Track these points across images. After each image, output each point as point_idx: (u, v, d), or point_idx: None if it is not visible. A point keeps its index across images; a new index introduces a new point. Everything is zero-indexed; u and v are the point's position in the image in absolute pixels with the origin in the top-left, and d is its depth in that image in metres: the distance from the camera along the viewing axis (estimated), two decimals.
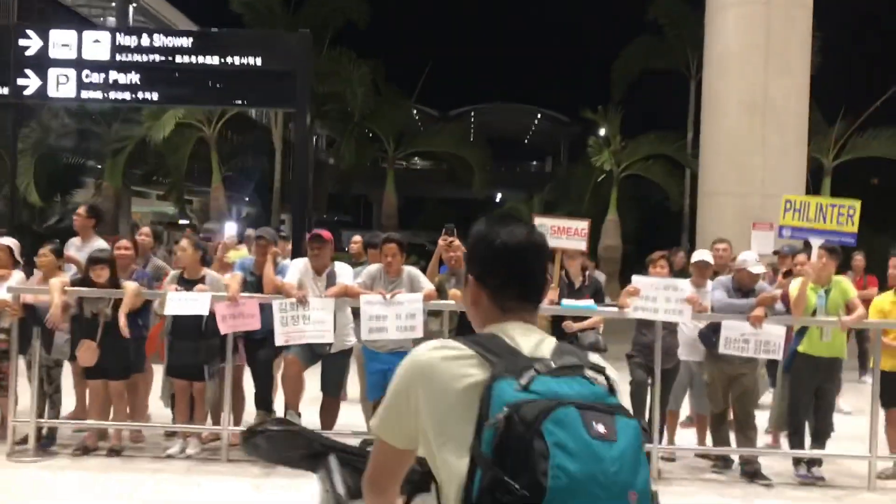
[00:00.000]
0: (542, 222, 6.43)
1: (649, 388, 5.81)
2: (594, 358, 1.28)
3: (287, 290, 5.75)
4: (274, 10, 17.16)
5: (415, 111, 20.29)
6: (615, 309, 5.97)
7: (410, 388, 1.27)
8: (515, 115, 40.07)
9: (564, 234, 6.36)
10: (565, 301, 6.09)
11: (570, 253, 6.49)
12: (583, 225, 6.33)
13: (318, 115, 19.55)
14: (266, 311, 5.62)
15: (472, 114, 32.86)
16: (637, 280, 5.86)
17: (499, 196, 37.13)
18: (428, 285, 5.90)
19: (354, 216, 37.51)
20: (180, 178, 18.30)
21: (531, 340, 1.27)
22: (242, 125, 22.50)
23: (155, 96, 7.17)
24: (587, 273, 6.78)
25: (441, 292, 6.31)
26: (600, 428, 1.09)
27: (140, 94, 7.12)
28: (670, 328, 5.85)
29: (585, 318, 6.02)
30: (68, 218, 18.60)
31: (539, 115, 42.50)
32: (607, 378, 1.21)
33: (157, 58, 7.11)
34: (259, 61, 7.11)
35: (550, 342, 1.28)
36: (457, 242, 5.96)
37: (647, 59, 18.66)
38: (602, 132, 17.64)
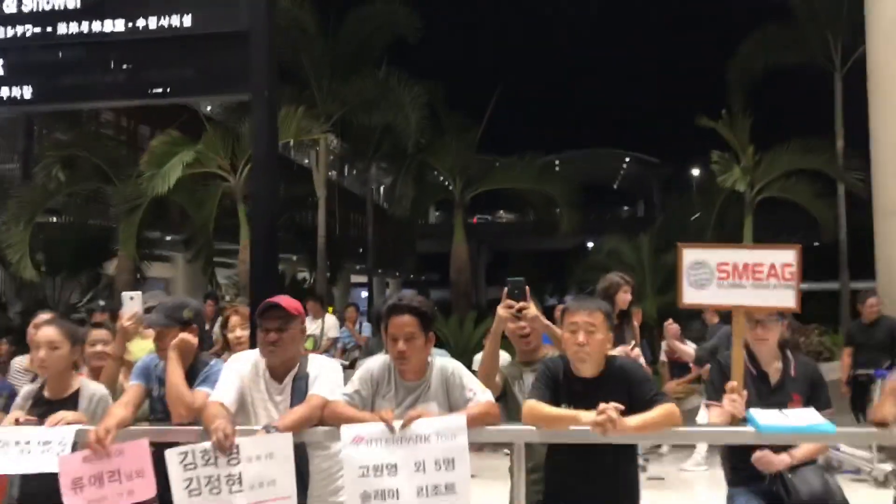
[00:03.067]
0: (701, 257, 3.51)
1: None
2: None
3: (206, 419, 3.08)
4: (307, 31, 14.91)
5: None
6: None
7: None
8: (602, 159, 38.58)
9: (748, 277, 3.43)
10: (757, 416, 3.16)
11: (763, 320, 3.65)
12: (788, 257, 3.36)
13: (372, 156, 17.25)
14: None
15: (557, 162, 30.50)
16: None
17: (590, 244, 34.82)
18: (480, 392, 3.22)
19: (443, 274, 35.44)
20: (209, 238, 16.04)
21: None
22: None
23: (27, 93, 4.62)
24: (789, 355, 3.86)
25: (507, 399, 3.63)
26: None
27: (3, 93, 4.60)
28: None
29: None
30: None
31: (627, 159, 41.23)
32: None
33: (29, 30, 4.60)
34: (188, 21, 4.50)
35: None
36: (532, 309, 3.47)
37: (772, 53, 15.45)
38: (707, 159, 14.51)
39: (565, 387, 3.23)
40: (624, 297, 5.77)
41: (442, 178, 17.15)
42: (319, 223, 15.72)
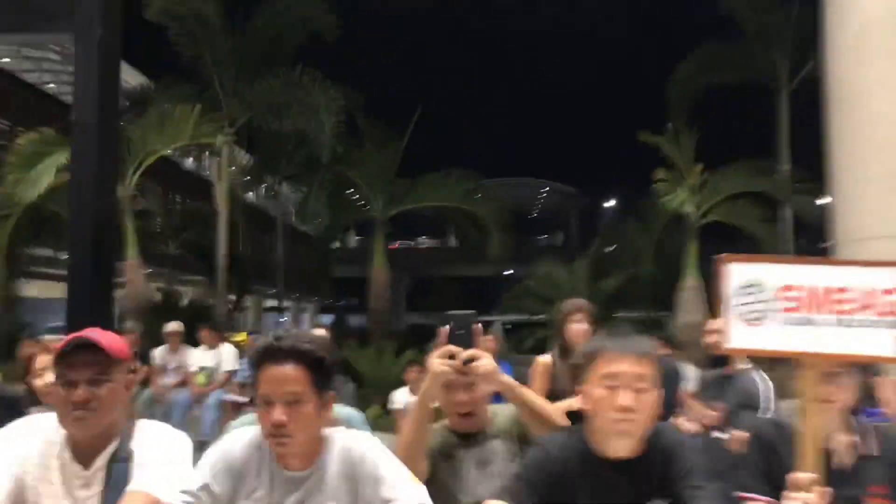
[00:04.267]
0: (756, 276, 2.30)
1: None
2: None
3: None
4: (209, 22, 13.36)
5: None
6: None
7: None
8: (520, 188, 38.72)
9: (829, 308, 2.23)
10: None
11: (833, 373, 2.45)
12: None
13: (284, 168, 15.71)
14: None
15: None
16: None
17: (510, 272, 34.81)
18: (406, 492, 2.01)
19: (362, 300, 34.10)
20: None
21: None
22: (171, 178, 18.52)
23: None
24: (867, 424, 2.64)
25: (433, 486, 2.29)
26: None
27: None
28: None
29: None
30: None
31: (546, 188, 41.90)
32: None
33: None
34: None
35: None
36: (485, 361, 2.27)
37: (714, 71, 14.73)
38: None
39: (585, 476, 2.09)
40: (576, 329, 4.61)
41: (360, 196, 15.78)
42: (219, 241, 14.08)
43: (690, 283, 12.71)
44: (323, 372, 1.96)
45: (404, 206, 15.14)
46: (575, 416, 5.52)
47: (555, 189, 44.51)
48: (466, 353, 2.16)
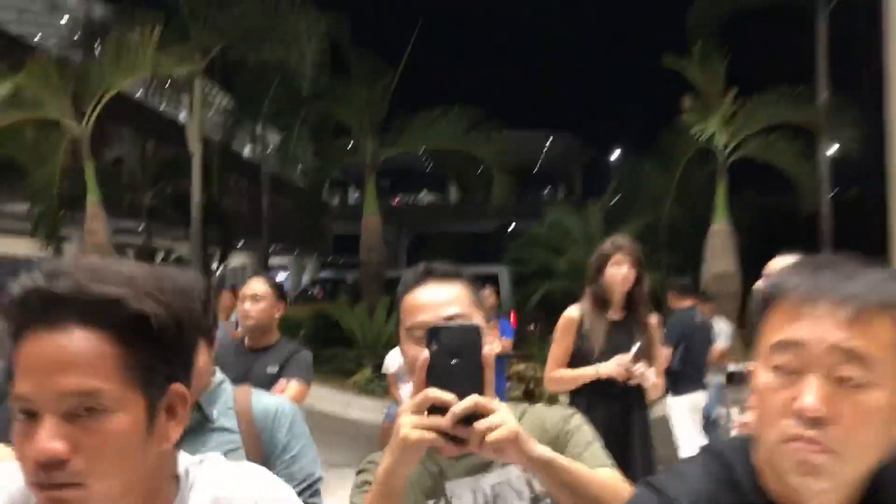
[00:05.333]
0: None
1: None
2: None
3: None
4: None
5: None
6: None
7: None
8: (522, 139, 37.86)
9: None
10: None
11: None
12: None
13: (264, 107, 14.27)
14: None
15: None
16: None
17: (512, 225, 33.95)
18: None
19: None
20: (53, 204, 12.91)
21: None
22: (146, 124, 17.07)
23: None
24: None
25: None
26: None
27: None
28: None
29: None
30: None
31: (549, 140, 40.79)
32: None
33: None
34: None
35: None
36: (508, 424, 1.17)
37: None
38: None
39: None
40: (616, 275, 3.86)
41: (348, 139, 14.39)
42: (194, 187, 12.75)
43: (719, 227, 11.39)
44: (155, 344, 0.97)
45: (397, 149, 13.77)
46: (597, 391, 3.87)
47: (558, 140, 43.39)
48: (464, 406, 1.16)
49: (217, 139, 15.87)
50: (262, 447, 2.09)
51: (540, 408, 1.65)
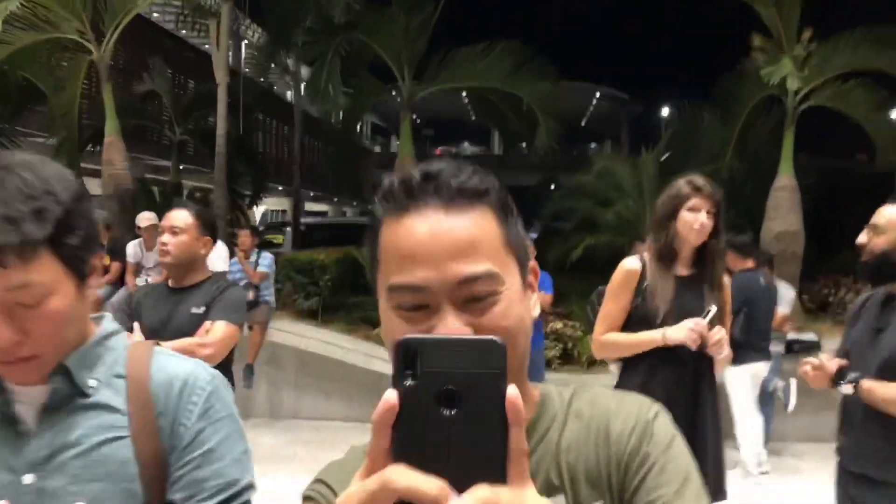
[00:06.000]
0: None
1: None
2: None
3: None
4: None
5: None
6: None
7: None
8: (569, 93, 37.10)
9: None
10: None
11: None
12: None
13: (295, 38, 13.46)
14: None
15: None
16: None
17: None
18: None
19: None
20: (73, 132, 12.32)
21: None
22: (166, 49, 16.34)
23: None
24: None
25: None
26: None
27: None
28: None
29: None
30: None
31: (598, 94, 40.29)
32: None
33: None
34: None
35: None
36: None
37: None
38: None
39: None
40: (691, 221, 3.24)
41: (384, 73, 13.53)
42: (219, 120, 12.03)
43: (784, 181, 10.38)
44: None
45: (436, 86, 12.87)
46: (660, 360, 3.29)
47: (606, 94, 42.64)
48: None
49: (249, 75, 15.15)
50: (158, 436, 1.35)
51: (602, 394, 1.09)
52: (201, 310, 3.43)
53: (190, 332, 3.38)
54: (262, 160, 17.77)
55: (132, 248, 9.13)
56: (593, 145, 49.82)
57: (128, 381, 1.37)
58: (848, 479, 3.03)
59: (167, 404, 1.35)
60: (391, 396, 0.65)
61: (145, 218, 8.97)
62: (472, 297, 0.92)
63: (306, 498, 1.06)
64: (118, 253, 9.43)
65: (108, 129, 11.06)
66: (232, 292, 3.57)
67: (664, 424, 1.03)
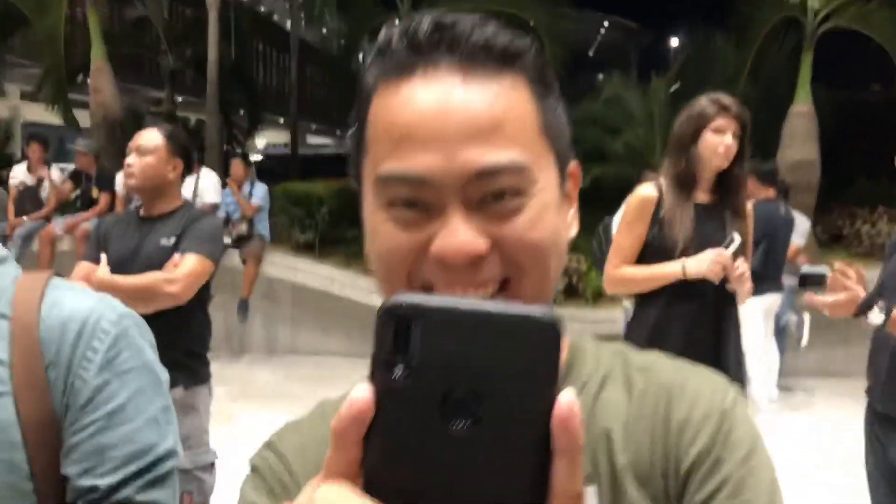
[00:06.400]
0: None
1: None
2: None
3: None
4: None
5: None
6: None
7: None
8: (577, 21, 36.70)
9: None
10: None
11: None
12: None
13: None
14: None
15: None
16: None
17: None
18: None
19: None
20: (59, 59, 11.86)
21: None
22: None
23: None
24: None
25: None
26: None
27: None
28: None
29: None
30: None
31: (606, 23, 38.18)
32: None
33: None
34: None
35: None
36: None
37: None
38: None
39: None
40: (716, 143, 2.95)
41: None
42: (210, 45, 11.54)
43: (801, 108, 9.97)
44: None
45: (437, 9, 12.30)
46: (679, 294, 3.03)
47: (614, 23, 42.06)
48: None
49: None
50: (47, 393, 1.03)
51: (659, 362, 0.80)
52: (171, 241, 3.13)
53: (159, 265, 3.07)
54: (258, 90, 17.24)
55: (121, 178, 8.82)
56: (601, 76, 49.23)
57: (12, 323, 1.05)
58: (874, 419, 2.89)
59: (60, 352, 1.05)
60: (363, 396, 0.41)
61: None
62: (491, 195, 0.68)
63: (253, 468, 0.81)
64: (107, 184, 9.12)
65: (94, 54, 10.62)
66: (205, 222, 3.25)
67: (745, 419, 0.76)
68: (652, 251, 2.94)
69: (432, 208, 0.68)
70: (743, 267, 2.88)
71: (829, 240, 9.91)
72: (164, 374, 1.17)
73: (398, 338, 0.41)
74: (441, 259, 0.67)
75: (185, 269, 3.01)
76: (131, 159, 3.18)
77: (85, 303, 1.11)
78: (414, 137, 0.67)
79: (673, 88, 11.75)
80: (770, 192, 6.40)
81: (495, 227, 0.68)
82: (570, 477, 0.41)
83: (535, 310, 0.42)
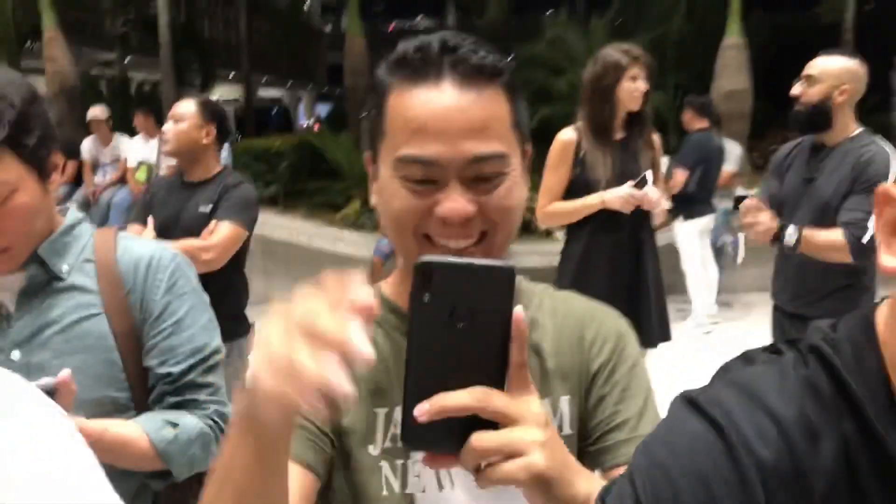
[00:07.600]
0: None
1: None
2: None
3: None
4: None
5: None
6: None
7: None
8: None
9: None
10: None
11: None
12: None
13: None
14: None
15: None
16: None
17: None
18: None
19: None
20: (10, 29, 11.86)
21: None
22: None
23: None
24: None
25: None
26: None
27: None
28: None
29: None
30: None
31: None
32: None
33: None
34: None
35: None
36: None
37: None
38: None
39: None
40: (632, 89, 3.38)
41: None
42: (160, 7, 11.63)
43: (732, 41, 10.45)
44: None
45: None
46: (601, 222, 3.52)
47: None
48: (455, 401, 0.72)
49: None
50: (129, 311, 1.50)
51: (573, 298, 1.15)
52: (208, 208, 3.33)
53: (197, 231, 3.26)
54: (209, 47, 17.23)
55: (87, 145, 9.04)
56: (549, 12, 48.57)
57: (97, 264, 1.51)
58: (783, 320, 3.33)
59: (135, 282, 1.51)
60: (367, 296, 0.67)
61: (93, 112, 8.83)
62: (481, 176, 0.93)
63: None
64: (72, 151, 9.31)
65: (45, 22, 10.66)
66: (240, 190, 3.41)
67: (633, 342, 1.09)
68: (576, 188, 3.38)
69: (437, 182, 0.92)
70: (656, 193, 3.33)
71: (763, 164, 10.46)
72: (206, 296, 1.63)
73: (425, 279, 0.71)
74: (444, 218, 0.91)
75: (219, 236, 3.22)
76: (167, 126, 3.39)
77: (148, 247, 1.57)
78: (427, 131, 0.91)
79: (616, 24, 12.15)
80: (705, 123, 6.90)
81: (481, 198, 0.93)
82: (521, 353, 0.74)
83: (500, 262, 0.74)
